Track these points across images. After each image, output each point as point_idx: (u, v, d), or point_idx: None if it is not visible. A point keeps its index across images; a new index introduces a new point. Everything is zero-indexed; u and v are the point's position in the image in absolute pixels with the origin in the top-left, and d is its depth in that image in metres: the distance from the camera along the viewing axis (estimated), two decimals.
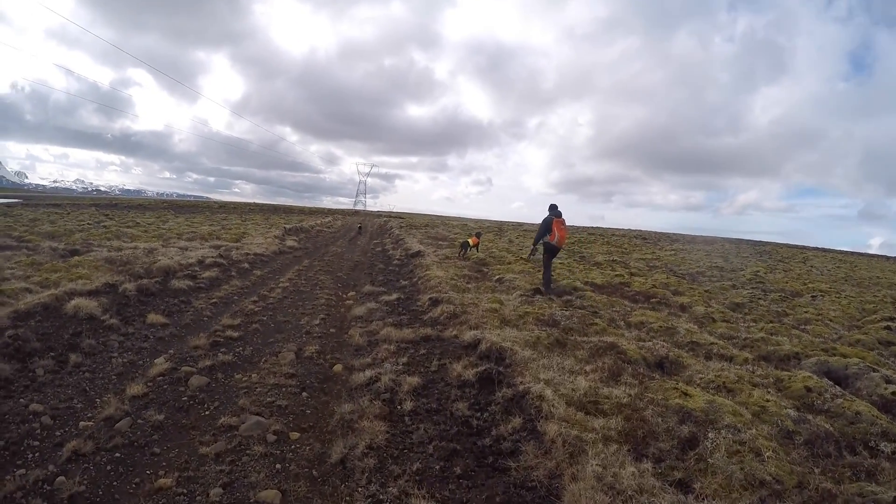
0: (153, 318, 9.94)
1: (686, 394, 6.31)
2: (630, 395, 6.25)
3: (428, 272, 16.13)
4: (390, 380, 7.05)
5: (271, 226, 39.00)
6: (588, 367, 7.36)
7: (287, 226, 36.43)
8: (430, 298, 12.29)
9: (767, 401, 6.60)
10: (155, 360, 7.77)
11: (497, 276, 16.74)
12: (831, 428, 6.12)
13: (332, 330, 10.24)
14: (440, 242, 32.03)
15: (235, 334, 9.34)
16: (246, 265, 17.26)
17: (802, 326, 13.45)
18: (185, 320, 10.23)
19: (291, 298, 12.96)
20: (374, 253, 26.44)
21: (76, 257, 15.38)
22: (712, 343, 9.82)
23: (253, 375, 7.43)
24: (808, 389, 7.37)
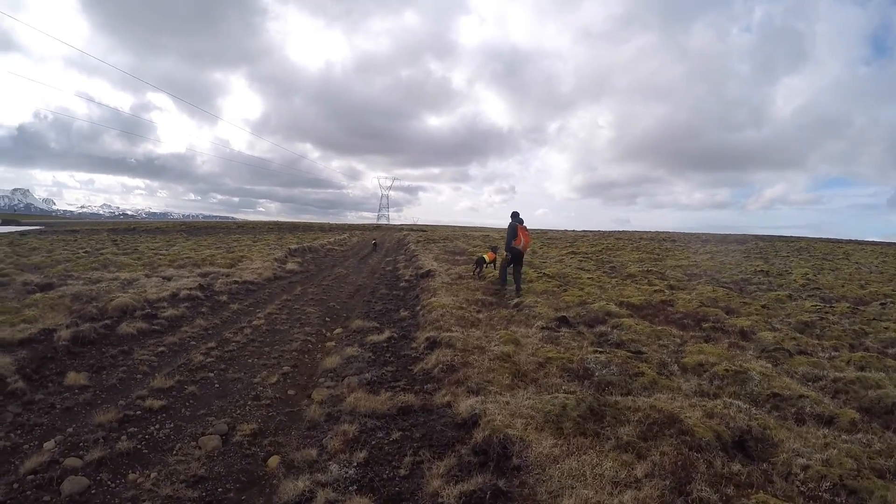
0: (73, 378, 7.85)
1: None
2: None
3: (433, 299, 13.61)
4: (327, 502, 4.54)
5: (281, 246, 36.74)
6: (640, 469, 4.73)
7: (292, 246, 34.02)
8: (427, 338, 9.76)
9: None
10: (44, 445, 5.78)
11: (515, 301, 14.17)
12: None
13: (290, 392, 7.81)
14: (457, 258, 29.59)
15: (159, 403, 7.01)
16: (224, 297, 15.00)
17: (893, 350, 10.80)
18: (111, 380, 7.99)
19: (259, 342, 10.58)
20: (382, 273, 24.02)
21: (39, 294, 13.58)
22: (801, 395, 7.20)
23: (151, 475, 5.21)
24: None
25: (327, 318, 13.18)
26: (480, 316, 12.12)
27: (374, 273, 24.29)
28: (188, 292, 14.48)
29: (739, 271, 27.35)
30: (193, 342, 10.34)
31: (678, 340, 10.37)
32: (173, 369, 8.51)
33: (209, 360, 9.14)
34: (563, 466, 4.68)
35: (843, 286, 22.45)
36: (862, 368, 8.97)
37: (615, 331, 10.80)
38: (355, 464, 5.27)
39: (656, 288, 18.29)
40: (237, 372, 8.62)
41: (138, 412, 6.72)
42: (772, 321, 13.04)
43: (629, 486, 4.44)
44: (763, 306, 15.21)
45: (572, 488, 4.32)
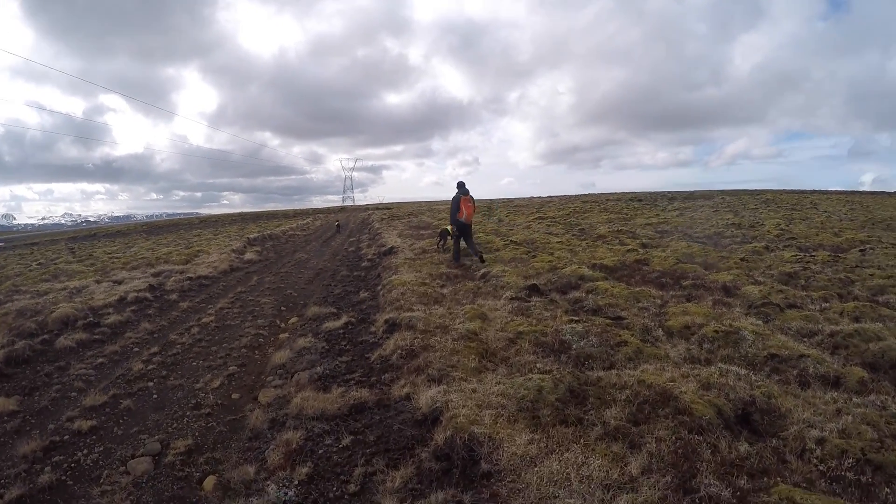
0: (2, 404, 6.88)
1: None
2: None
3: (394, 277, 12.76)
4: None
5: (241, 236, 35.50)
6: (634, 464, 3.95)
7: (251, 235, 32.67)
8: (386, 321, 8.93)
9: None
10: None
11: (482, 271, 13.40)
12: None
13: (234, 396, 6.94)
14: (421, 232, 28.79)
15: (89, 424, 6.13)
16: (174, 296, 14.00)
17: (883, 298, 10.23)
18: (43, 402, 7.07)
19: (207, 341, 9.68)
20: (344, 255, 23.13)
21: None
22: (800, 354, 6.50)
23: None
24: None
25: (282, 308, 12.32)
26: (444, 291, 11.34)
27: (335, 255, 23.38)
28: (136, 294, 13.50)
29: (711, 226, 26.85)
30: (136, 349, 9.42)
31: (658, 301, 9.63)
32: (110, 382, 7.62)
33: (150, 367, 8.27)
34: (543, 469, 3.89)
35: (817, 235, 21.98)
36: (857, 319, 8.36)
37: (590, 296, 10.05)
38: (296, 482, 4.44)
39: (629, 247, 17.53)
40: (179, 378, 7.75)
41: (66, 437, 5.89)
42: (753, 274, 12.40)
43: (624, 489, 3.67)
44: (742, 259, 14.57)
45: (555, 498, 3.54)
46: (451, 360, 6.61)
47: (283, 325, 10.73)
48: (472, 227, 16.71)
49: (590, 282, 11.22)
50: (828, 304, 9.47)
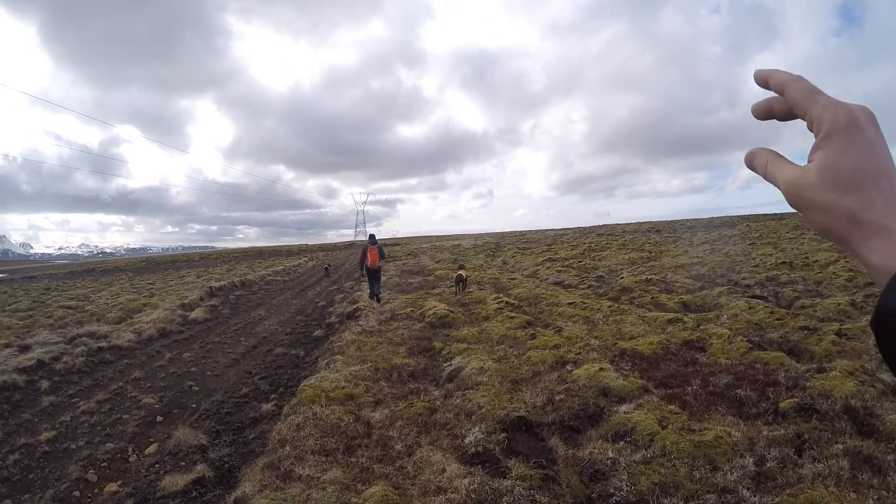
0: None
1: None
2: None
3: (319, 375, 8.65)
4: None
5: (205, 285, 31.11)
6: None
7: (216, 284, 28.06)
8: (237, 502, 4.75)
9: None
10: None
11: (453, 366, 8.97)
12: None
13: None
14: (410, 281, 24.87)
15: None
16: (47, 384, 10.26)
17: None
18: None
19: (9, 484, 6.24)
20: (309, 313, 19.11)
21: None
22: None
23: None
24: None
25: (160, 417, 8.43)
26: (376, 416, 6.99)
27: (300, 313, 19.39)
28: (5, 380, 10.05)
29: (755, 266, 22.05)
30: None
31: (752, 470, 4.86)
32: None
33: None
34: None
35: None
36: None
37: (623, 455, 5.32)
38: None
39: (670, 315, 12.07)
40: None
41: None
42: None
43: None
44: (839, 334, 9.46)
45: None
46: None
47: (133, 457, 6.93)
48: (381, 271, 18.93)
49: (619, 403, 6.67)
50: None
